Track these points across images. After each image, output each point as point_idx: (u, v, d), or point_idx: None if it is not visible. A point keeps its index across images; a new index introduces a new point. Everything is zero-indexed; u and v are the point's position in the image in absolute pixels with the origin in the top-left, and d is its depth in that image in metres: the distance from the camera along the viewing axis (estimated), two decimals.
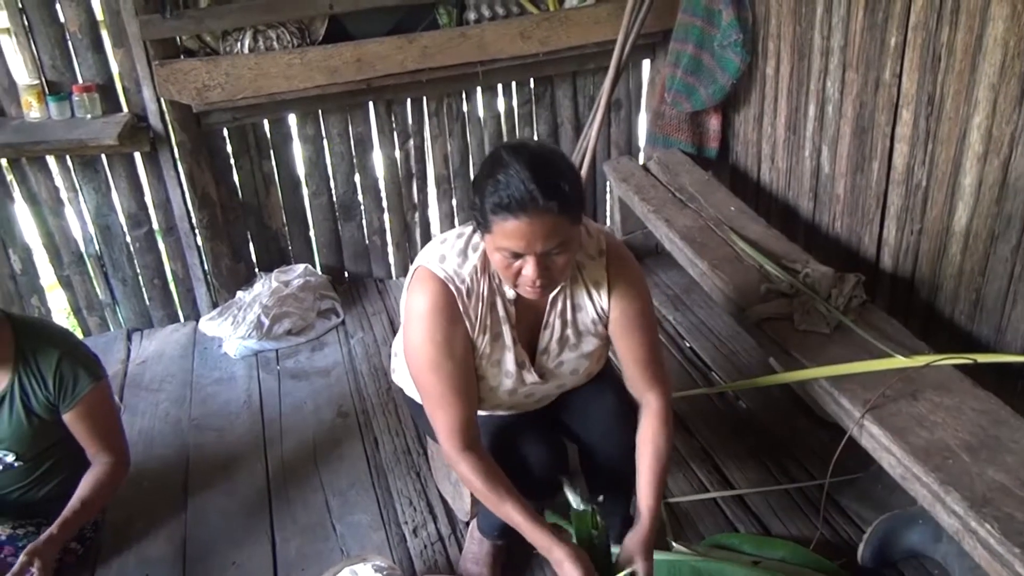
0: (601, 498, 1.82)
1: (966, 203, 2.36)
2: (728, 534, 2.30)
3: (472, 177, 3.69)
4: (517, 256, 1.58)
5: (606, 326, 1.86)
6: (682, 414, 2.79)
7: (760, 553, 2.18)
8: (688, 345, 3.23)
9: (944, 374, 2.09)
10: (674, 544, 2.16)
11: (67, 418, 2.12)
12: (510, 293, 1.76)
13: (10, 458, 2.12)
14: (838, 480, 2.31)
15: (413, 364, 1.78)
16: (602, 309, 1.83)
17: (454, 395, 1.74)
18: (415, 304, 1.74)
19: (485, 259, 1.73)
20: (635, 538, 1.74)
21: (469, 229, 1.78)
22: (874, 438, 1.98)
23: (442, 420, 1.76)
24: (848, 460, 2.15)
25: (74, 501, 2.11)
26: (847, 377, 2.12)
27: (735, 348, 3.17)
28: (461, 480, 1.82)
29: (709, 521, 2.37)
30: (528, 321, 1.83)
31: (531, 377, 1.85)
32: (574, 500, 1.79)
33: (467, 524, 2.35)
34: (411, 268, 1.82)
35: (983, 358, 2.14)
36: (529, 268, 1.58)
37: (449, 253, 1.75)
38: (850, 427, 2.04)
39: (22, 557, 1.96)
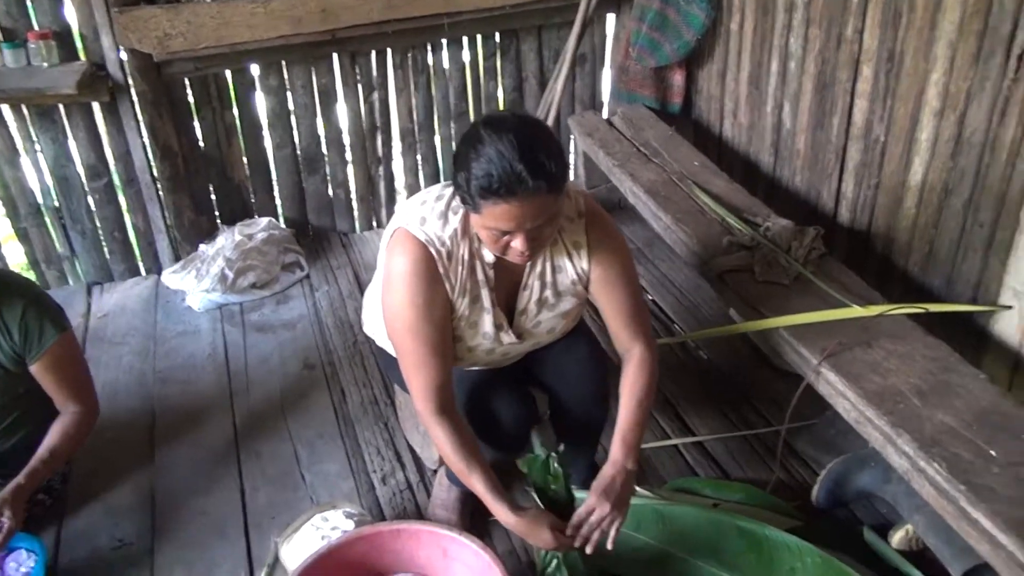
0: (561, 447, 1.86)
1: (922, 158, 2.43)
2: (689, 478, 2.38)
3: (437, 130, 3.72)
4: (506, 233, 1.60)
5: (586, 287, 1.89)
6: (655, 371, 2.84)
7: (719, 496, 2.25)
8: (650, 298, 3.29)
9: (897, 323, 2.17)
10: (637, 488, 2.22)
11: (34, 369, 2.11)
12: (489, 257, 1.78)
13: None
14: (794, 426, 2.39)
15: (392, 325, 1.80)
16: (582, 270, 1.86)
17: (431, 357, 1.76)
18: (395, 266, 1.74)
19: (466, 222, 1.74)
20: (598, 483, 1.76)
21: (449, 191, 1.77)
22: (830, 384, 2.05)
23: (418, 382, 1.78)
24: (804, 408, 2.23)
25: (42, 450, 2.11)
26: (806, 326, 2.19)
27: (696, 301, 3.23)
28: (433, 442, 1.85)
29: (671, 466, 2.45)
30: (506, 283, 1.85)
31: (508, 338, 1.88)
32: (536, 446, 1.83)
33: (435, 472, 2.40)
34: (389, 227, 1.82)
35: (934, 308, 2.22)
36: (518, 242, 1.60)
37: (429, 215, 1.75)
38: (808, 374, 2.11)
39: None
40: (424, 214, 1.76)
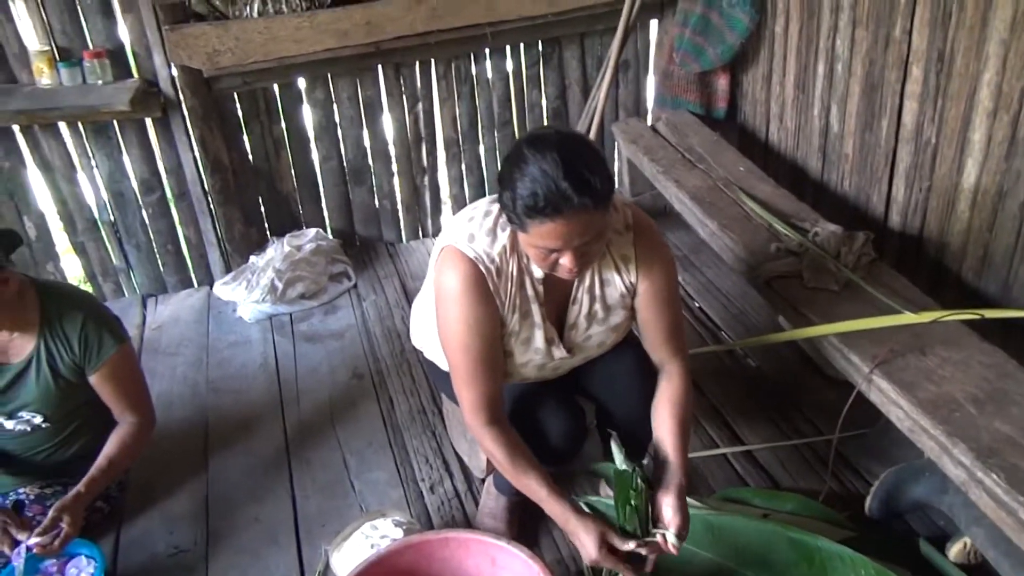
0: (646, 461, 1.84)
1: (975, 160, 2.38)
2: (738, 488, 2.36)
3: (482, 140, 3.74)
4: (553, 251, 1.60)
5: (633, 299, 1.89)
6: (693, 372, 2.78)
7: (770, 506, 2.22)
8: (697, 305, 3.26)
9: (951, 329, 2.13)
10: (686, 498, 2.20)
11: (93, 380, 2.17)
12: (538, 272, 1.78)
13: (37, 419, 2.17)
14: (846, 435, 2.35)
15: (444, 342, 1.82)
16: (630, 283, 1.85)
17: (482, 373, 1.78)
18: (446, 284, 1.76)
19: (514, 238, 1.74)
20: (667, 498, 1.75)
21: (496, 207, 1.77)
22: (882, 392, 2.01)
23: (468, 397, 1.80)
24: (856, 416, 2.19)
25: (101, 460, 2.16)
26: (856, 333, 2.15)
27: (743, 307, 3.20)
28: (484, 452, 1.86)
29: (720, 476, 2.43)
30: (556, 297, 1.86)
31: (560, 352, 1.89)
32: (618, 459, 1.81)
33: (483, 481, 2.41)
34: (437, 244, 1.84)
35: (990, 313, 2.17)
36: (566, 259, 1.61)
37: (478, 232, 1.76)
38: (859, 382, 2.08)
39: (51, 513, 2.01)
40: (472, 231, 1.77)
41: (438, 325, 1.84)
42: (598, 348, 1.95)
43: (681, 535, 1.73)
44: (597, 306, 1.87)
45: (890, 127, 2.69)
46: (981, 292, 2.48)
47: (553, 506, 1.78)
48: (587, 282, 1.84)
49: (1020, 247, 2.32)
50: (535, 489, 1.79)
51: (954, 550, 2.05)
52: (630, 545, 1.72)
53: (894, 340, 2.09)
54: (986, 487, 1.72)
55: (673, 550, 1.72)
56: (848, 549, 1.89)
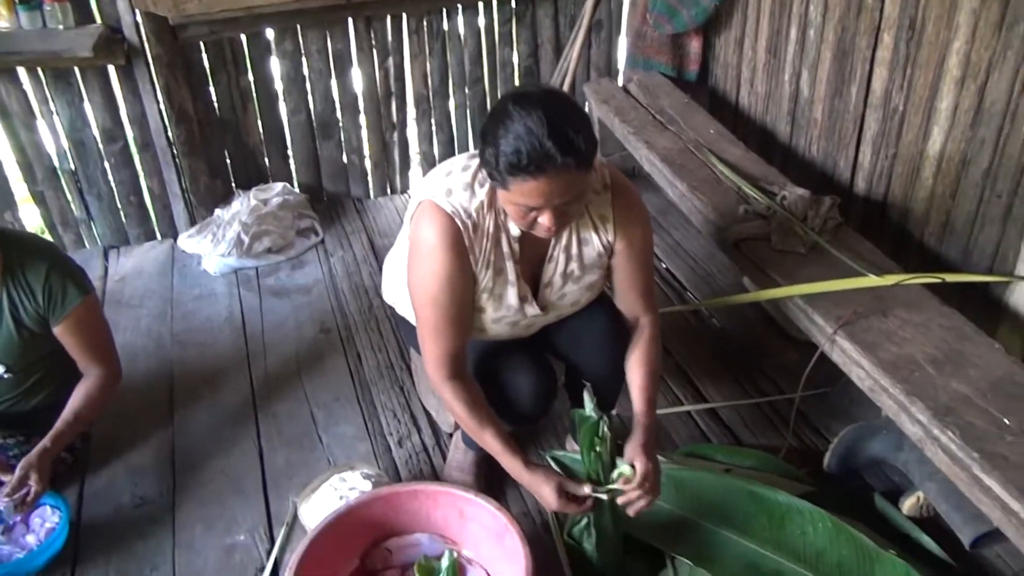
0: (615, 412, 1.86)
1: (941, 128, 2.42)
2: (701, 444, 2.41)
3: (452, 96, 3.71)
4: (533, 208, 1.60)
5: (610, 258, 1.90)
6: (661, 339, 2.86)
7: (731, 462, 2.27)
8: (664, 266, 3.29)
9: (913, 293, 2.18)
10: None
11: (57, 331, 2.14)
12: (515, 230, 1.78)
13: (0, 370, 2.14)
14: (807, 394, 2.40)
15: (414, 295, 1.82)
16: (608, 242, 1.86)
17: (448, 328, 1.79)
18: (422, 237, 1.75)
19: (492, 195, 1.74)
20: (633, 443, 1.80)
21: (475, 163, 1.77)
22: (845, 353, 2.06)
23: (432, 351, 1.82)
24: (816, 376, 2.24)
25: (67, 413, 2.14)
26: (821, 295, 2.20)
27: (710, 269, 3.24)
28: (444, 405, 1.88)
29: (684, 432, 2.47)
30: (531, 256, 1.86)
31: (533, 310, 1.89)
32: (589, 407, 1.83)
33: (450, 436, 2.43)
34: (414, 198, 1.83)
35: (951, 277, 2.22)
36: (545, 218, 1.61)
37: (456, 187, 1.75)
38: (822, 343, 2.12)
39: (18, 471, 2.00)
40: (451, 185, 1.76)
41: (409, 278, 1.83)
42: (572, 307, 1.96)
43: (649, 480, 1.76)
44: (573, 265, 1.88)
45: (859, 94, 2.71)
46: (942, 257, 2.53)
47: (509, 461, 1.82)
48: (564, 241, 1.84)
49: (981, 214, 2.37)
50: (491, 444, 1.83)
51: (907, 504, 2.12)
52: (586, 489, 1.77)
53: (857, 302, 2.13)
54: (941, 444, 1.78)
55: (638, 494, 1.75)
56: (806, 503, 1.95)
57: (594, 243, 1.86)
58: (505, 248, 1.80)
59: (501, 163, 1.55)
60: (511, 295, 1.85)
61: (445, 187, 1.76)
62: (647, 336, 1.94)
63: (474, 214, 1.74)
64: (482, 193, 1.75)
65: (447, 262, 1.73)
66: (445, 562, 1.70)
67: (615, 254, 1.89)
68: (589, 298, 1.97)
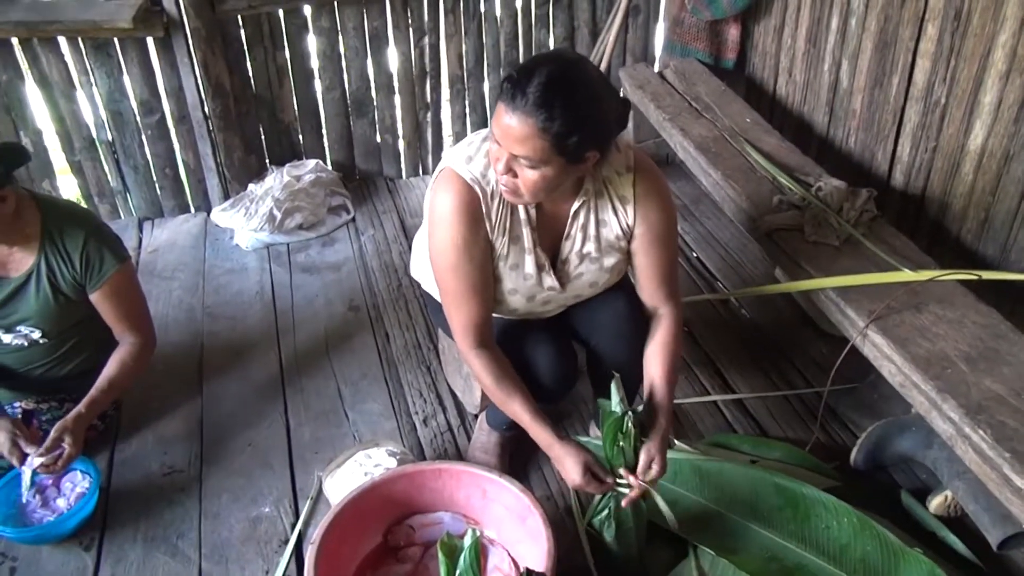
0: (640, 406, 1.85)
1: (983, 122, 2.37)
2: (727, 435, 2.40)
3: (487, 78, 3.70)
4: (498, 145, 1.60)
5: (630, 241, 1.88)
6: (687, 321, 2.85)
7: (757, 453, 2.27)
8: (695, 255, 3.27)
9: (948, 289, 2.15)
10: (675, 442, 2.24)
11: (94, 298, 2.17)
12: None
13: (36, 335, 2.17)
14: (836, 388, 2.38)
15: (435, 263, 1.83)
16: (627, 225, 1.85)
17: (472, 295, 1.79)
18: (440, 204, 1.76)
19: None
20: (655, 442, 1.77)
21: None
22: (876, 347, 2.04)
23: (458, 318, 1.82)
24: (846, 371, 2.22)
25: (101, 381, 2.17)
26: (853, 288, 2.17)
27: (741, 259, 3.22)
28: (472, 375, 1.87)
29: (710, 422, 2.46)
30: (550, 229, 1.85)
31: (550, 281, 1.88)
32: (615, 400, 1.80)
33: (475, 417, 2.44)
34: (438, 168, 1.83)
35: (988, 275, 2.19)
36: (500, 164, 1.61)
37: (475, 154, 1.76)
38: (853, 336, 2.10)
39: (53, 433, 2.03)
40: (470, 153, 1.77)
41: (430, 247, 1.84)
42: (590, 288, 1.95)
43: (654, 476, 1.76)
44: (591, 245, 1.86)
45: (900, 85, 2.67)
46: (979, 254, 2.49)
47: (538, 431, 1.81)
48: (581, 219, 1.84)
49: (1021, 211, 2.33)
50: (519, 413, 1.82)
51: (935, 503, 2.10)
52: (610, 480, 1.77)
53: (891, 296, 2.11)
54: (973, 443, 1.75)
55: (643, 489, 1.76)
56: (832, 497, 1.94)
57: (612, 225, 1.85)
58: (522, 214, 1.80)
59: (503, 83, 1.56)
60: (528, 263, 1.85)
61: (465, 155, 1.77)
62: (665, 326, 1.91)
63: (492, 181, 1.74)
64: None
65: (464, 229, 1.74)
66: (468, 540, 1.71)
67: (635, 238, 1.87)
68: (608, 281, 1.96)
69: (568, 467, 1.77)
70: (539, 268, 1.86)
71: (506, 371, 1.84)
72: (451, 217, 1.74)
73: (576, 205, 1.81)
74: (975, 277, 2.16)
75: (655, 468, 1.76)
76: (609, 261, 1.90)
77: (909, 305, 2.10)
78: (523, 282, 1.87)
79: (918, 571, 1.77)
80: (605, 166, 1.79)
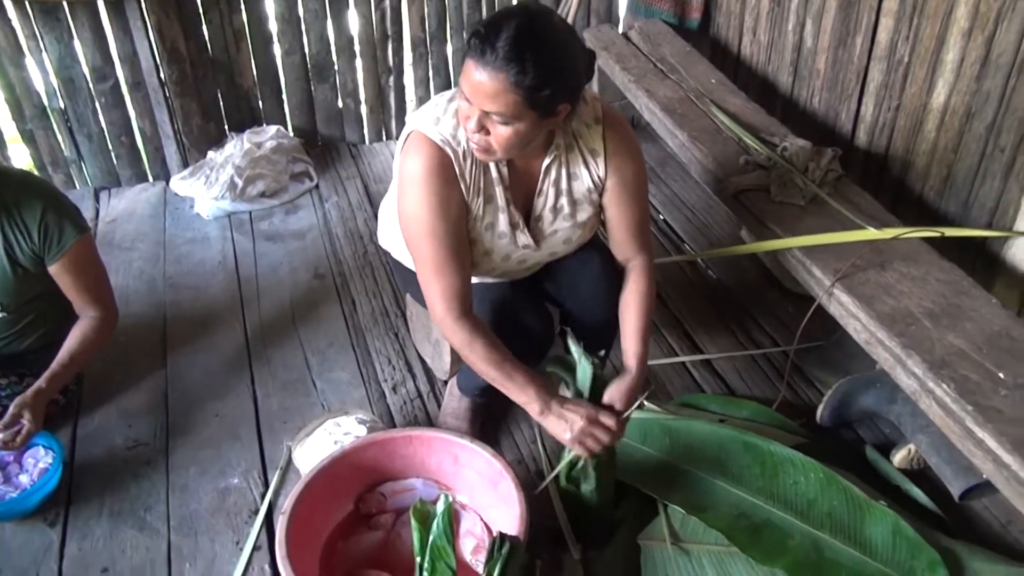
0: (603, 352, 1.84)
1: (946, 80, 2.39)
2: (696, 395, 2.42)
3: (450, 40, 3.65)
4: (468, 103, 1.57)
5: (601, 194, 1.87)
6: (656, 284, 2.84)
7: (725, 412, 2.29)
8: (662, 217, 3.28)
9: (912, 246, 2.17)
10: (645, 403, 2.25)
11: (53, 270, 2.11)
12: None
13: None
14: (803, 347, 2.41)
15: (408, 231, 1.78)
16: (599, 177, 1.84)
17: (451, 261, 1.74)
18: (410, 168, 1.72)
19: None
20: (622, 385, 1.78)
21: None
22: (842, 305, 2.06)
23: (438, 287, 1.76)
24: (812, 330, 2.24)
25: (62, 355, 2.12)
26: (819, 247, 2.19)
27: (708, 221, 3.22)
28: (459, 346, 1.80)
29: (678, 383, 2.48)
30: (522, 186, 1.83)
31: (524, 239, 1.86)
32: (576, 353, 1.79)
33: (445, 383, 2.43)
34: (403, 133, 1.79)
35: (950, 232, 2.22)
36: (471, 121, 1.59)
37: (443, 115, 1.73)
38: (819, 295, 2.12)
39: (12, 409, 1.99)
40: (438, 114, 1.73)
41: (400, 214, 1.79)
42: (564, 244, 1.94)
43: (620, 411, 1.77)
44: (563, 200, 1.85)
45: (864, 44, 2.67)
46: (942, 211, 2.52)
47: (538, 391, 1.76)
48: (553, 175, 1.82)
49: (983, 168, 2.35)
50: (519, 379, 1.76)
51: (899, 456, 2.14)
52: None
53: (856, 255, 2.12)
54: (936, 397, 1.78)
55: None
56: (799, 453, 1.96)
57: (584, 178, 1.84)
58: (494, 173, 1.77)
59: (470, 40, 1.54)
60: (502, 222, 1.83)
61: (433, 116, 1.73)
62: (639, 274, 1.90)
63: (462, 141, 1.71)
64: None
65: (438, 191, 1.71)
66: (441, 506, 1.70)
67: (606, 191, 1.86)
68: (581, 237, 1.95)
69: (571, 418, 1.73)
70: (513, 227, 1.84)
71: (494, 338, 1.79)
72: (424, 180, 1.70)
73: (547, 160, 1.79)
74: (938, 234, 2.19)
75: (617, 398, 1.76)
76: (582, 216, 1.89)
77: (874, 263, 2.12)
78: (498, 241, 1.86)
79: (883, 523, 1.80)
80: (574, 119, 1.77)
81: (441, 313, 1.78)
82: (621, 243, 1.93)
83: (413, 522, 1.70)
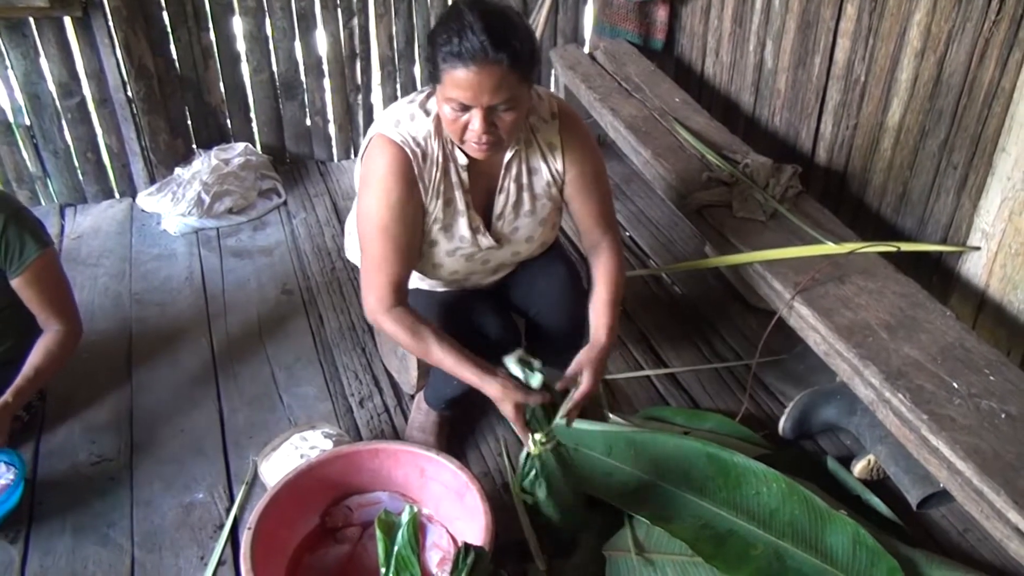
0: (538, 362, 1.85)
1: (900, 99, 2.46)
2: (660, 407, 2.44)
3: (418, 59, 3.68)
4: (465, 109, 1.60)
5: (561, 190, 1.91)
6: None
7: (689, 424, 2.31)
8: (627, 234, 3.32)
9: (870, 260, 2.22)
10: (610, 416, 2.28)
11: (15, 284, 2.10)
12: (462, 159, 1.79)
13: None
14: (764, 360, 2.45)
15: (363, 227, 1.81)
16: (557, 172, 1.88)
17: (396, 257, 1.78)
18: (373, 168, 1.76)
19: (438, 123, 1.75)
20: (588, 354, 1.81)
21: (422, 95, 1.80)
22: (802, 318, 2.10)
23: (379, 280, 1.79)
24: (774, 343, 2.29)
25: (27, 370, 2.11)
26: (780, 262, 2.24)
27: (672, 237, 3.27)
28: (388, 335, 1.83)
29: (643, 396, 2.51)
30: (482, 187, 1.87)
31: (486, 241, 1.90)
32: (524, 375, 1.78)
33: (412, 397, 2.44)
34: (365, 138, 1.83)
35: (906, 247, 2.28)
36: (476, 122, 1.61)
37: (403, 117, 1.77)
38: (780, 308, 2.16)
39: None
40: (398, 116, 1.78)
41: (359, 212, 1.83)
42: (526, 242, 1.97)
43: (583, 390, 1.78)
44: (524, 195, 1.89)
45: (822, 65, 2.74)
46: (898, 227, 2.58)
47: (464, 371, 1.77)
48: (514, 171, 1.86)
49: (937, 185, 2.42)
50: (444, 359, 1.78)
51: (859, 467, 2.17)
52: (531, 445, 1.78)
53: (815, 269, 2.17)
54: (893, 406, 1.83)
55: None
56: (761, 464, 1.98)
57: (543, 172, 1.88)
58: (454, 177, 1.81)
59: (439, 54, 1.56)
60: (462, 225, 1.86)
61: (394, 119, 1.78)
62: (607, 254, 1.95)
63: (422, 142, 1.75)
64: (428, 122, 1.76)
65: (397, 190, 1.74)
66: (405, 517, 1.71)
67: (566, 184, 1.90)
68: (543, 234, 1.98)
69: (505, 393, 1.74)
70: (474, 231, 1.88)
71: (419, 323, 1.80)
72: (386, 179, 1.74)
73: (508, 156, 1.83)
74: (895, 249, 2.25)
75: (585, 379, 1.77)
76: (542, 212, 1.93)
77: (833, 277, 2.17)
78: (459, 244, 1.89)
79: (843, 532, 1.83)
80: (532, 114, 1.82)
81: (374, 304, 1.81)
82: (588, 232, 1.98)
83: (378, 533, 1.71)
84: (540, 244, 2.00)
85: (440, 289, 2.05)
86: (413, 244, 1.82)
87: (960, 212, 2.35)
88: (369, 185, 1.77)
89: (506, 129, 1.66)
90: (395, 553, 1.67)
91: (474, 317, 1.98)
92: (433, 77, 1.63)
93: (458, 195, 1.83)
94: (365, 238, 1.82)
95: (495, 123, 1.63)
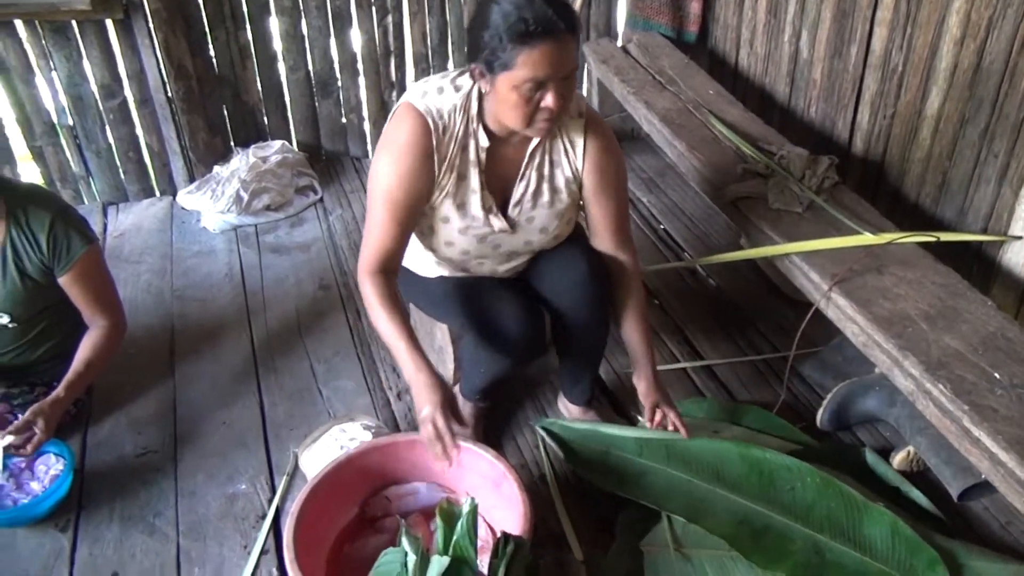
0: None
1: (940, 87, 2.43)
2: (697, 400, 2.44)
3: (451, 56, 3.70)
4: (539, 87, 1.62)
5: (579, 187, 1.93)
6: (656, 290, 2.90)
7: (726, 417, 2.30)
8: (662, 227, 3.31)
9: (908, 251, 2.20)
10: (640, 419, 2.25)
11: (63, 281, 2.15)
12: (484, 141, 1.81)
13: (4, 319, 2.15)
14: (802, 352, 2.43)
15: (371, 186, 1.85)
16: (576, 169, 1.90)
17: (392, 226, 1.82)
18: (391, 134, 1.80)
19: (467, 100, 1.78)
20: (643, 382, 1.97)
21: (455, 72, 1.83)
22: (840, 309, 2.09)
23: (371, 242, 1.84)
24: (811, 335, 2.27)
25: (78, 364, 2.16)
26: (817, 253, 2.22)
27: (707, 229, 3.26)
28: (364, 297, 1.85)
29: (679, 388, 2.50)
30: (501, 172, 1.88)
31: (498, 223, 1.91)
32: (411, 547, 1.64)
33: None
34: (395, 106, 1.87)
35: (946, 236, 2.25)
36: (551, 97, 1.63)
37: (431, 89, 1.80)
38: (817, 299, 2.15)
39: (27, 415, 2.02)
40: (427, 89, 1.81)
41: (371, 172, 1.87)
42: (540, 233, 1.98)
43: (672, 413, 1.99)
44: (544, 186, 1.91)
45: (859, 54, 2.71)
46: (938, 217, 2.55)
47: (405, 355, 1.76)
48: (537, 160, 1.88)
49: (977, 174, 2.39)
50: (389, 335, 1.78)
51: (898, 459, 2.16)
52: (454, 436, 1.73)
53: (853, 260, 2.16)
54: (933, 397, 1.81)
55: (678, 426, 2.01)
56: (793, 459, 1.97)
57: (564, 166, 1.90)
58: (472, 155, 1.83)
59: (505, 37, 1.57)
60: (474, 203, 1.88)
61: (422, 90, 1.81)
62: (627, 274, 2.01)
63: (445, 116, 1.78)
64: (456, 97, 1.78)
65: (409, 159, 1.77)
66: (466, 507, 1.71)
67: (585, 187, 1.92)
68: (558, 228, 1.99)
69: (428, 397, 1.71)
70: (486, 210, 1.89)
71: (393, 296, 1.83)
72: (401, 147, 1.77)
73: (533, 145, 1.85)
74: (934, 239, 2.22)
75: (663, 406, 2.01)
76: (560, 205, 1.95)
77: (871, 268, 2.15)
78: (471, 223, 1.91)
79: (881, 523, 1.82)
80: None
81: (362, 264, 1.86)
82: (603, 240, 2.01)
83: (439, 521, 1.70)
84: (554, 237, 2.01)
85: (461, 274, 2.07)
86: (412, 217, 1.85)
87: (1001, 201, 2.32)
88: (385, 148, 1.81)
89: (571, 97, 1.71)
90: (454, 542, 1.68)
91: (502, 309, 1.98)
92: (497, 66, 1.62)
93: (473, 173, 1.85)
94: (370, 198, 1.86)
95: (564, 93, 1.66)
